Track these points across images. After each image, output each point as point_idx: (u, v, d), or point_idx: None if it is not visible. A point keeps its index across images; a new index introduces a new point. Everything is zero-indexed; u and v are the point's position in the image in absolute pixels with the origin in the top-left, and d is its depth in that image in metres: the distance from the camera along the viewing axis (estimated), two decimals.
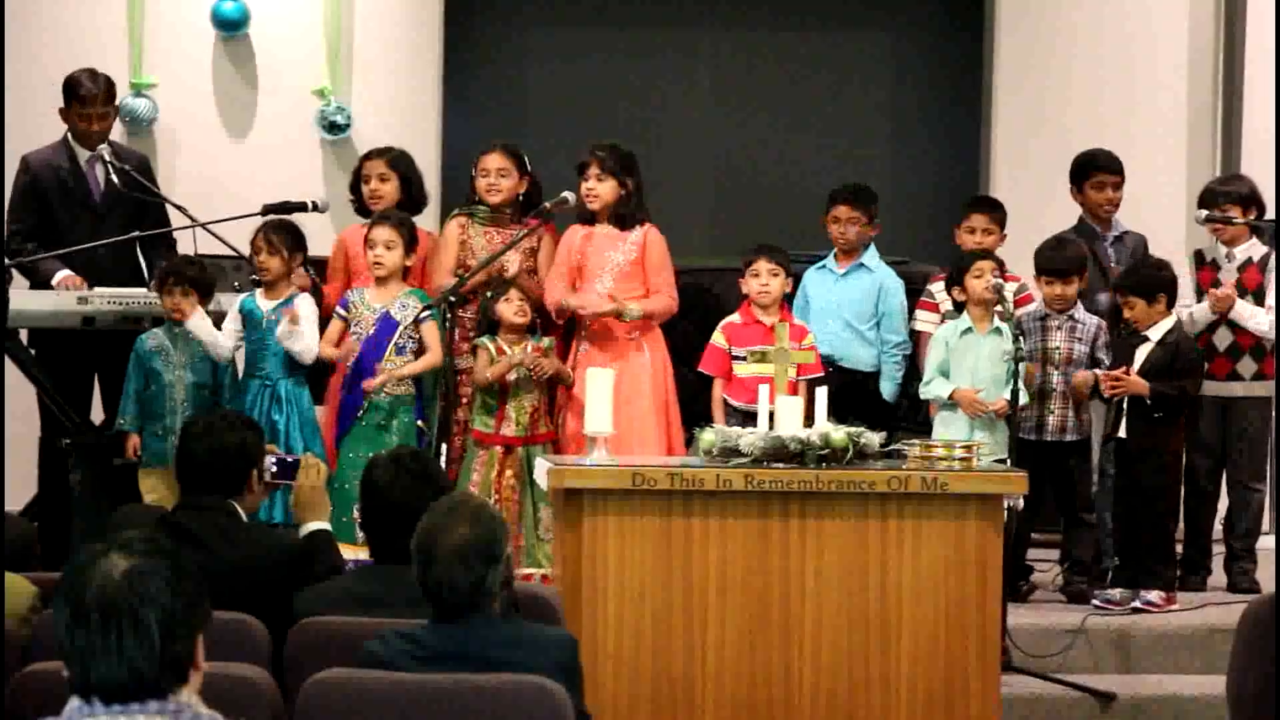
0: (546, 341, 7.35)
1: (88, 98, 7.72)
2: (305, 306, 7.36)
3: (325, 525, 5.26)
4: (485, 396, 7.30)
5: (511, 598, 4.44)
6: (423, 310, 7.26)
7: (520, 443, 7.23)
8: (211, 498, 4.96)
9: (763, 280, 7.43)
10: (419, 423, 7.26)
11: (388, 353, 7.26)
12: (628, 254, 7.39)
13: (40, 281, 7.55)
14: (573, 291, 7.37)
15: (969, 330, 7.36)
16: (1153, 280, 7.47)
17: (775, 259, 7.47)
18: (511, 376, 7.24)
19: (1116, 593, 7.32)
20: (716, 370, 7.49)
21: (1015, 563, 7.40)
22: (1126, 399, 7.38)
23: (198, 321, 7.20)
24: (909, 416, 7.87)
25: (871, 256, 7.91)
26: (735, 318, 7.54)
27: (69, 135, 7.81)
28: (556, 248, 7.51)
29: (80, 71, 7.80)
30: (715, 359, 7.50)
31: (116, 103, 7.94)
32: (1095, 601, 7.31)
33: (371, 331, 7.28)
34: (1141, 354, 7.42)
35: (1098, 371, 7.37)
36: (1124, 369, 7.35)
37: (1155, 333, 7.42)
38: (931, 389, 7.38)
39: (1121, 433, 7.43)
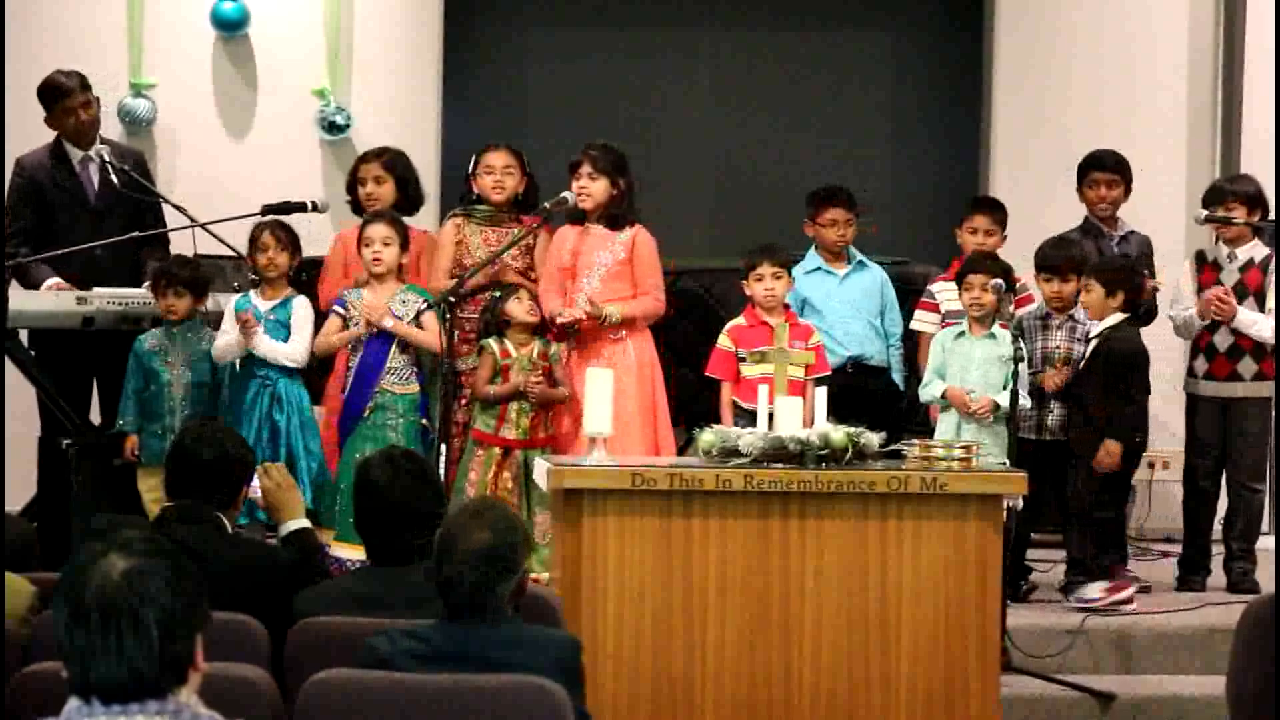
0: (554, 347, 7.32)
1: (66, 90, 7.69)
2: (303, 308, 7.36)
3: (305, 523, 5.25)
4: None
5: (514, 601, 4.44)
6: (424, 304, 7.24)
7: (519, 445, 7.21)
8: (203, 508, 4.95)
9: (767, 284, 7.39)
10: (423, 421, 7.24)
11: (391, 350, 7.24)
12: (616, 254, 7.36)
13: (29, 287, 7.53)
14: (564, 296, 7.34)
15: (963, 334, 7.36)
16: (1120, 274, 7.47)
17: (778, 260, 7.42)
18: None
19: (1094, 588, 7.30)
20: (724, 374, 7.43)
21: (1015, 563, 7.41)
22: (1066, 400, 7.39)
23: (263, 346, 7.21)
24: (909, 416, 7.88)
25: (857, 254, 7.96)
26: (740, 320, 7.48)
27: (61, 138, 7.79)
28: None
29: (50, 75, 7.79)
30: (722, 363, 7.44)
31: (94, 93, 7.85)
32: (1069, 600, 7.30)
33: (374, 330, 7.26)
34: (1087, 351, 7.43)
35: (1057, 377, 7.38)
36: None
37: (1098, 328, 7.42)
38: (928, 391, 7.39)
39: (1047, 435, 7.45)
